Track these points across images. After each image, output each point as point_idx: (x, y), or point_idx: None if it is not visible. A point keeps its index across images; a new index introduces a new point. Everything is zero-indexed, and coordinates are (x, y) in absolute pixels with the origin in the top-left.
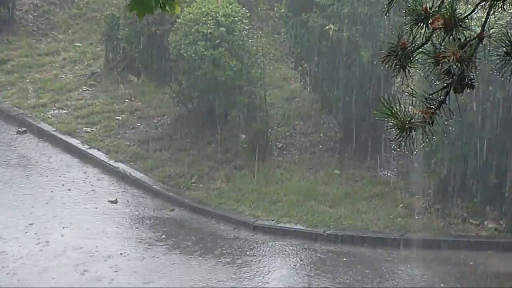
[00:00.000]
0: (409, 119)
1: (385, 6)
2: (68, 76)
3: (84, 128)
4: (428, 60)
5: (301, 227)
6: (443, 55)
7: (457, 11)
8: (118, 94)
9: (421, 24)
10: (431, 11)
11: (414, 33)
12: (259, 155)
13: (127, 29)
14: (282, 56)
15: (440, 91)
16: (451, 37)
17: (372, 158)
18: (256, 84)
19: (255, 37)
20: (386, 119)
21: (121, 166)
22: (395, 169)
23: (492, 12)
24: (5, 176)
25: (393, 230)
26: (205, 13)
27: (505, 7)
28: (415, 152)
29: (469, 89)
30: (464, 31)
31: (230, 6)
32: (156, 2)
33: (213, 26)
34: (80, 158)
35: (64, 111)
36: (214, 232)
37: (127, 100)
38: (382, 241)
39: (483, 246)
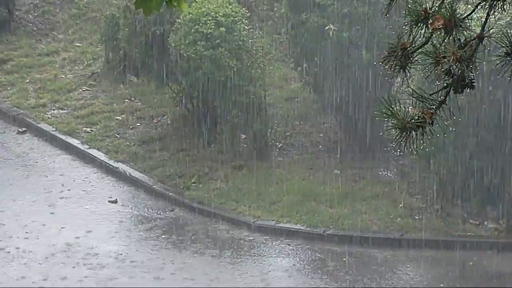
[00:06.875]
0: (409, 119)
1: (385, 6)
2: (68, 76)
3: (84, 128)
4: (428, 61)
5: (301, 227)
6: (443, 55)
7: (457, 11)
8: (118, 94)
9: (421, 25)
10: (431, 12)
11: (414, 34)
12: (259, 155)
13: (127, 29)
14: (282, 56)
15: (440, 92)
16: (451, 38)
17: (372, 158)
18: (256, 84)
19: (255, 37)
20: (386, 120)
21: (121, 166)
22: (395, 169)
23: (492, 12)
24: (4, 176)
25: (393, 230)
26: (205, 13)
27: (505, 7)
28: (415, 152)
29: (469, 90)
30: (464, 31)
31: (230, 6)
32: None
33: (213, 26)
34: (80, 158)
35: (64, 111)
36: (214, 232)
37: (127, 100)
38: (382, 241)
39: (483, 246)
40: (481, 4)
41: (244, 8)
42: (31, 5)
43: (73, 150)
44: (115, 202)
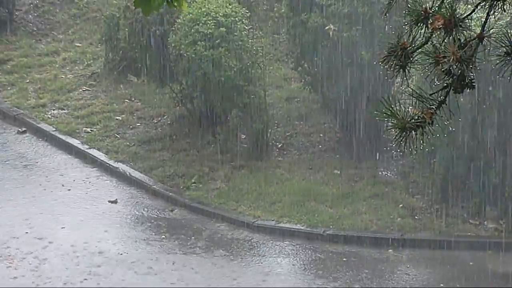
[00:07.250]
0: (409, 119)
1: (385, 6)
2: (68, 76)
3: (84, 128)
4: (428, 60)
5: (301, 227)
6: (443, 55)
7: (457, 11)
8: (118, 94)
9: (421, 24)
10: (431, 11)
11: (414, 33)
12: (259, 155)
13: (127, 29)
14: (282, 56)
15: (440, 91)
16: (451, 37)
17: (372, 158)
18: (256, 84)
19: (255, 37)
20: (386, 119)
21: (121, 166)
22: (395, 169)
23: (492, 12)
24: (4, 176)
25: (393, 230)
26: (205, 13)
27: (505, 7)
28: (415, 152)
29: (469, 89)
30: (464, 31)
31: (230, 6)
32: None
33: (213, 26)
34: (80, 158)
35: (64, 111)
36: (214, 232)
37: (127, 100)
38: (382, 241)
39: (483, 246)
40: (481, 4)
41: (244, 8)
42: (31, 5)
43: (73, 150)
44: (115, 202)
